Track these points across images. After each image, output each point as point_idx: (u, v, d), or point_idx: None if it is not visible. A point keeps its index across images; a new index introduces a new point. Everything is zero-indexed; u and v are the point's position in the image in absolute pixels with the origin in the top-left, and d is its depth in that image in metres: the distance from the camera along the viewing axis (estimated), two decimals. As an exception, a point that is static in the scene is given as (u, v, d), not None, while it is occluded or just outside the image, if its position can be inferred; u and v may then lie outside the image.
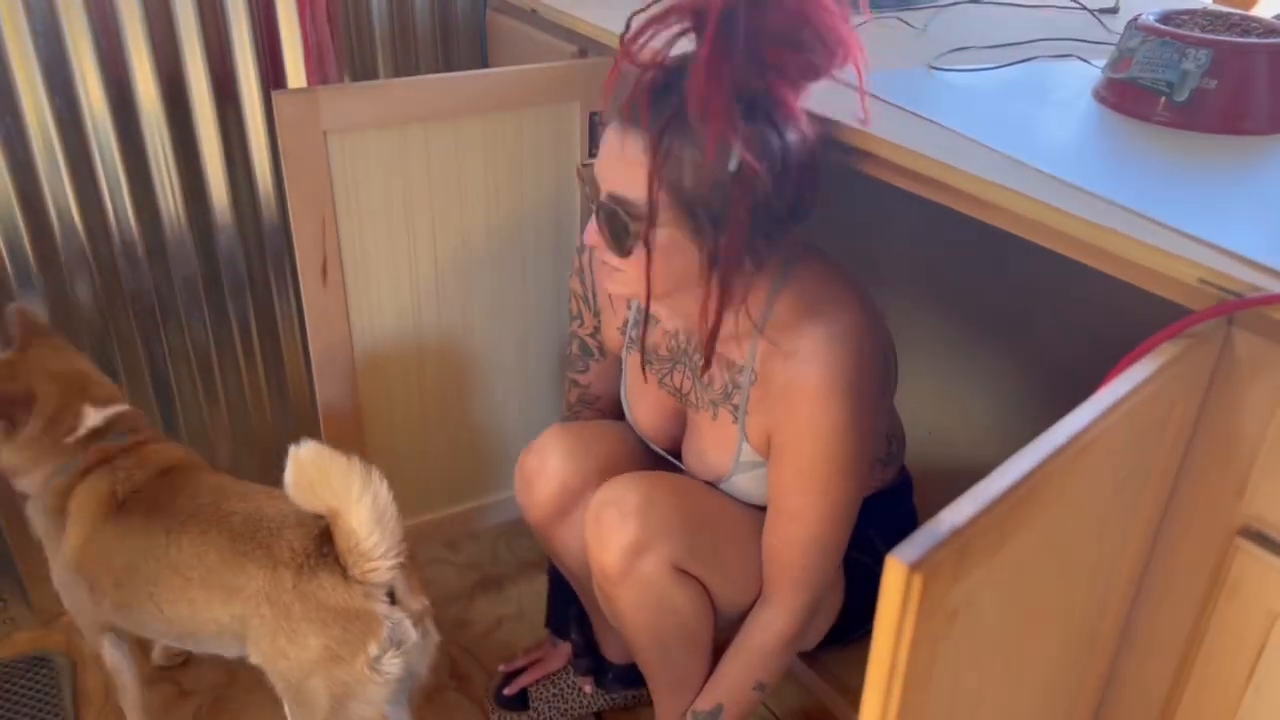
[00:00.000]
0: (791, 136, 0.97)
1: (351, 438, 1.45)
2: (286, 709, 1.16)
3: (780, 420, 1.08)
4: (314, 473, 1.06)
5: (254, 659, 1.13)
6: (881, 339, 1.11)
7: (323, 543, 1.10)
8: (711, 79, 0.91)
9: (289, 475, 1.07)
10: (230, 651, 1.17)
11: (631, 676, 1.39)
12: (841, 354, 1.04)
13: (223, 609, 1.11)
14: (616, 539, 1.10)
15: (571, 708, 1.45)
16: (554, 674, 1.46)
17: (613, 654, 1.43)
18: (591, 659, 1.43)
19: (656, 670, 1.22)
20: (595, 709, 1.46)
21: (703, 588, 1.15)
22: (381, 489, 1.05)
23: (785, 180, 0.97)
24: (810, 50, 0.96)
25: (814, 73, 0.98)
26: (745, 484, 1.16)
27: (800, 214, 1.02)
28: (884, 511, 1.27)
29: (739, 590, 1.17)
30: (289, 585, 1.08)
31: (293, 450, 1.06)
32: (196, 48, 1.38)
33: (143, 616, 1.17)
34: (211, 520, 1.14)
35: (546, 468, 1.24)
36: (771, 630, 1.14)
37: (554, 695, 1.45)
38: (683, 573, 1.12)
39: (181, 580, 1.12)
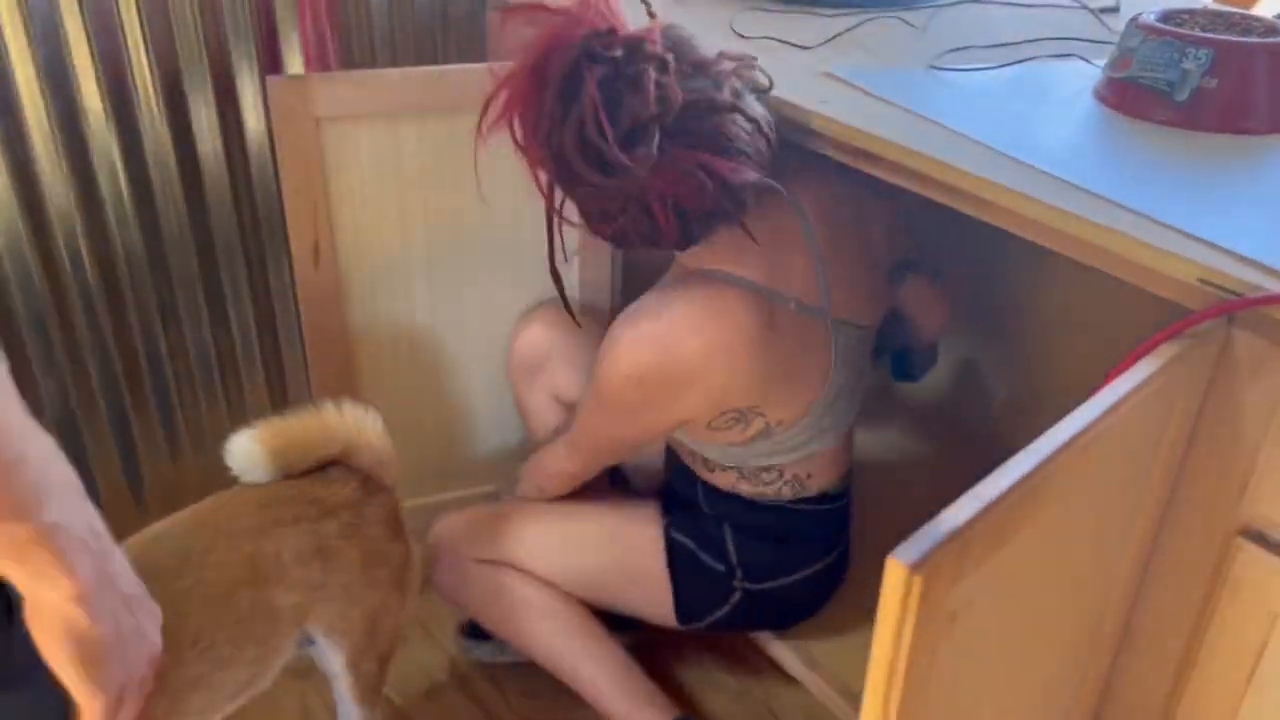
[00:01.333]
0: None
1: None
2: (347, 680, 1.16)
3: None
4: (289, 444, 1.07)
5: (319, 634, 1.12)
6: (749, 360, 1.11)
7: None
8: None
9: (260, 465, 1.07)
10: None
11: None
12: (689, 331, 1.08)
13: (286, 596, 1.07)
14: (431, 551, 1.36)
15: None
16: None
17: None
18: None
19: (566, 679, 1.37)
20: None
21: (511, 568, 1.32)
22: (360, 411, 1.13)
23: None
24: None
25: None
26: None
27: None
28: (756, 525, 1.26)
29: (568, 579, 1.31)
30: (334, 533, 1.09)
31: (248, 446, 1.06)
32: (195, 42, 1.38)
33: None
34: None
35: (528, 330, 1.45)
36: (547, 463, 1.33)
37: None
38: (488, 562, 1.33)
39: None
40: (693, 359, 1.09)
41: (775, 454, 1.21)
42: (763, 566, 1.27)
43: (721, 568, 1.27)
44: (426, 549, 1.36)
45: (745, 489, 1.25)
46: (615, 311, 1.59)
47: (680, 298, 1.10)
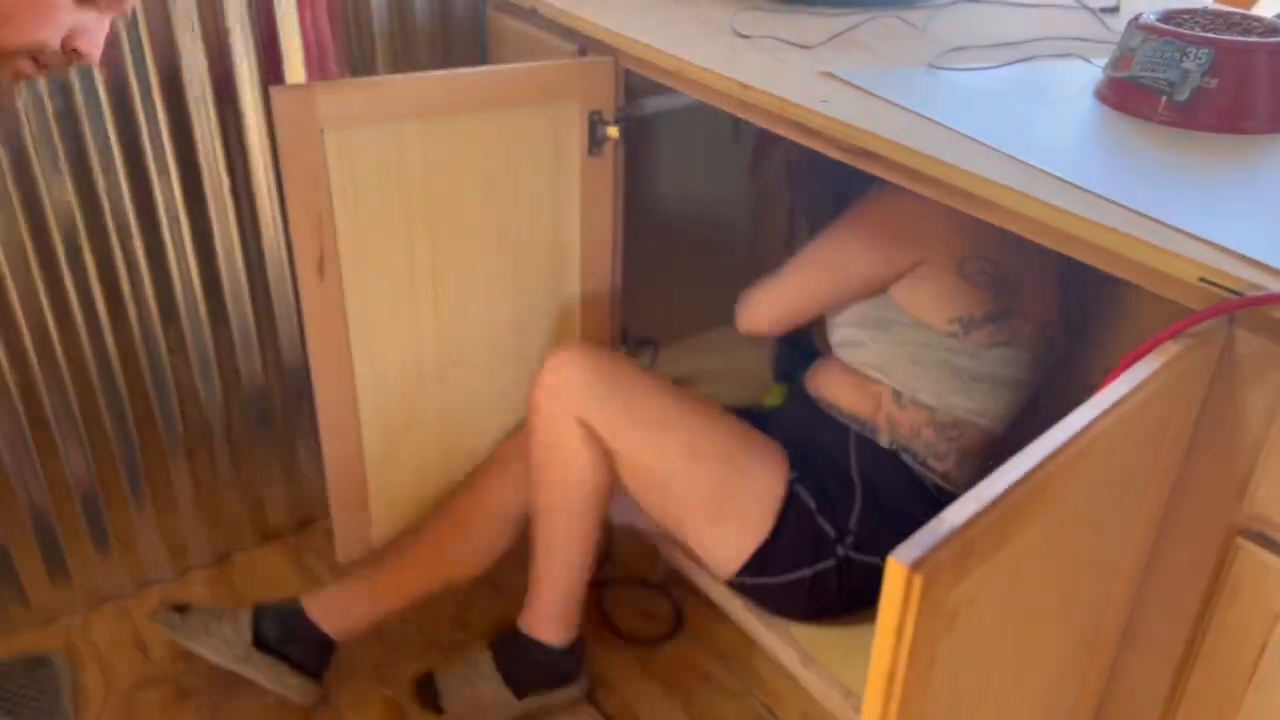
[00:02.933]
0: None
1: (348, 430, 1.45)
2: None
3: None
4: None
5: None
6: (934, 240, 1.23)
7: None
8: None
9: None
10: None
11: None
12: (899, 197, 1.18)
13: None
14: (545, 378, 1.32)
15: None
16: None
17: None
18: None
19: (536, 535, 1.37)
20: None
21: (606, 465, 1.31)
22: None
23: None
24: None
25: None
26: None
27: None
28: (897, 504, 1.27)
29: (652, 470, 1.30)
30: None
31: None
32: (195, 46, 1.38)
33: None
34: None
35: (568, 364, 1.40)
36: (749, 299, 1.40)
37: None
38: (592, 437, 1.30)
39: None
40: (919, 215, 1.20)
41: (982, 389, 1.25)
42: (882, 540, 1.26)
43: (832, 532, 1.27)
44: (543, 377, 1.33)
45: (925, 439, 1.27)
46: (615, 320, 1.60)
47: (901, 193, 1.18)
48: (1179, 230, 0.84)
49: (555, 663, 1.41)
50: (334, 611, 1.43)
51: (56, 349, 1.43)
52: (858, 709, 1.26)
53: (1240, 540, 0.84)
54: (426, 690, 1.45)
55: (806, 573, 1.27)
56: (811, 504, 1.27)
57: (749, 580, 1.29)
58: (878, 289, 1.28)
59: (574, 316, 1.56)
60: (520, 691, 1.41)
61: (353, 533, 1.52)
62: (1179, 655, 0.92)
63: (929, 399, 1.26)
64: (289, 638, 1.42)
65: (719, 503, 1.28)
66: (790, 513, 1.26)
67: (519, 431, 1.48)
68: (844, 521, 1.27)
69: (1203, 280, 0.79)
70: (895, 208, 1.24)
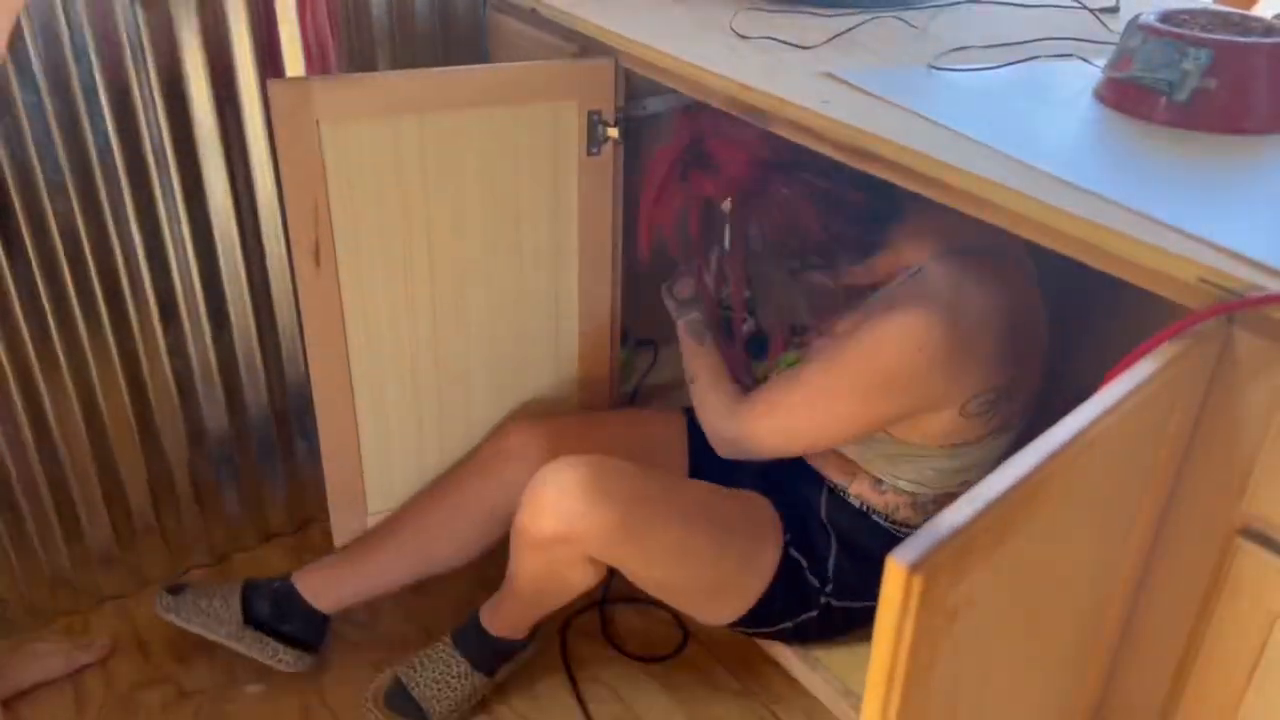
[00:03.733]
0: None
1: (345, 424, 1.45)
2: None
3: (856, 326, 1.17)
4: None
5: None
6: (985, 361, 1.14)
7: None
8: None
9: None
10: None
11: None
12: (933, 324, 1.09)
13: None
14: (545, 522, 1.21)
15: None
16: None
17: None
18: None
19: (515, 585, 1.34)
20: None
21: (605, 572, 1.28)
22: None
23: None
24: None
25: None
26: None
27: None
28: (867, 547, 1.27)
29: (659, 584, 1.28)
30: None
31: None
32: (195, 44, 1.38)
33: None
34: None
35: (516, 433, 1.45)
36: (709, 405, 1.33)
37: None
38: (591, 560, 1.25)
39: None
40: (982, 312, 1.11)
41: (969, 473, 1.21)
42: (857, 585, 1.27)
43: (816, 583, 1.27)
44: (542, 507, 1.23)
45: (901, 516, 1.26)
46: (615, 320, 1.59)
47: (947, 272, 1.12)
48: (1179, 230, 0.84)
49: (516, 646, 1.46)
50: (324, 589, 1.47)
51: (57, 349, 1.43)
52: (857, 709, 1.26)
53: (1240, 540, 0.84)
54: (398, 701, 1.42)
55: (789, 624, 1.29)
56: (803, 562, 1.28)
57: (737, 629, 1.32)
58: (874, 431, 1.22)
59: (573, 316, 1.56)
60: (491, 671, 1.44)
61: (350, 521, 1.53)
62: (1179, 655, 0.92)
63: (910, 487, 1.24)
64: (282, 616, 1.46)
65: (717, 587, 1.28)
66: (783, 575, 1.27)
67: (505, 429, 1.48)
68: (824, 570, 1.28)
69: (1202, 280, 0.79)
70: (900, 361, 1.12)
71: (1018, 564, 0.70)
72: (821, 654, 1.33)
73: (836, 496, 1.29)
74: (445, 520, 1.46)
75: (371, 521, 1.54)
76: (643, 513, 1.21)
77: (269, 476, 1.72)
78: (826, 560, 1.28)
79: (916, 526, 1.23)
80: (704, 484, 1.32)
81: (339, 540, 1.54)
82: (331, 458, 1.48)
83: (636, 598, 1.64)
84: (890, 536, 1.27)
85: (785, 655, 1.35)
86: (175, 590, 1.48)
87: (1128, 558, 0.90)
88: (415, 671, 1.42)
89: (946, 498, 1.22)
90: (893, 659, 0.61)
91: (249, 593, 1.47)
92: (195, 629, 1.46)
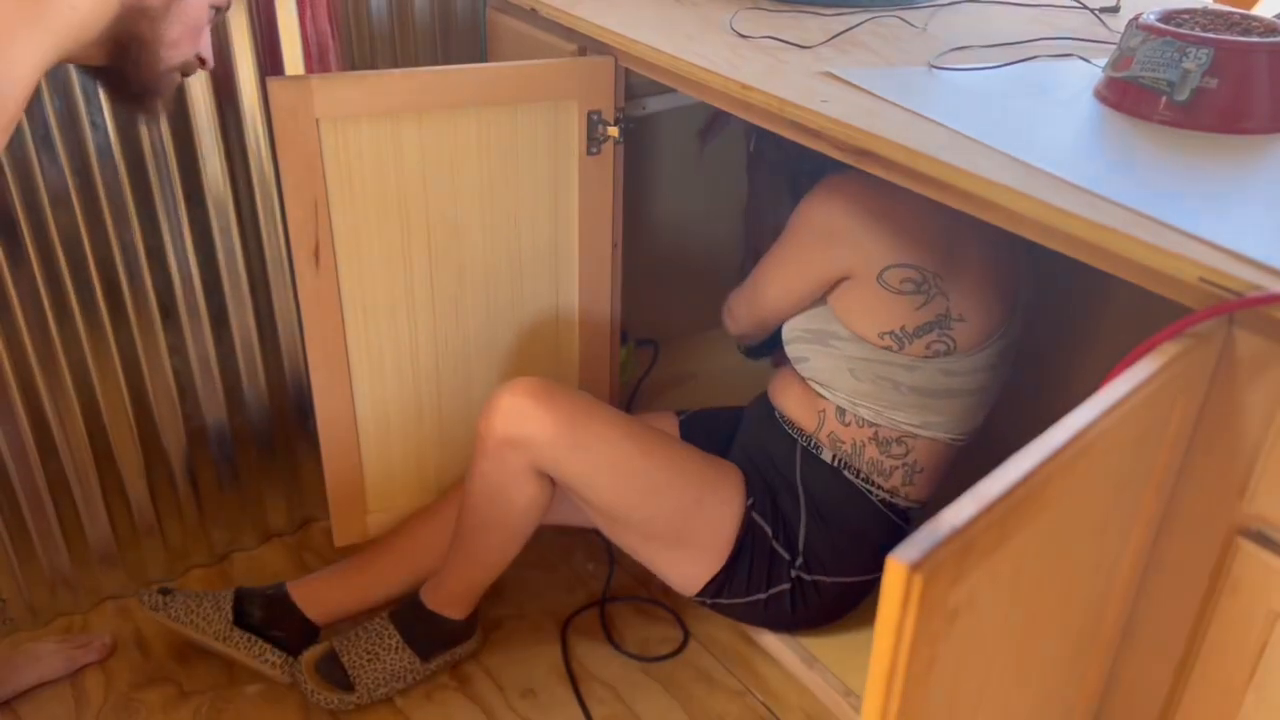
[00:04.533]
0: None
1: (345, 423, 1.45)
2: None
3: None
4: None
5: None
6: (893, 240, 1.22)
7: None
8: None
9: None
10: None
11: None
12: (853, 194, 1.21)
13: None
14: (496, 424, 1.28)
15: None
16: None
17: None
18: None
19: (462, 539, 1.38)
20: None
21: (549, 493, 1.32)
22: None
23: None
24: None
25: None
26: None
27: None
28: (840, 518, 1.28)
29: (613, 508, 1.30)
30: None
31: None
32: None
33: None
34: None
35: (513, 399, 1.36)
36: (731, 301, 1.44)
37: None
38: (537, 473, 1.29)
39: None
40: (876, 189, 1.18)
41: (926, 402, 1.24)
42: (827, 558, 1.29)
43: (786, 555, 1.29)
44: (491, 414, 1.29)
45: (868, 457, 1.27)
46: (615, 320, 1.60)
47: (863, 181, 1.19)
48: (1179, 230, 0.84)
49: (457, 630, 1.47)
50: (317, 598, 1.47)
51: (57, 349, 1.43)
52: (857, 709, 1.26)
53: (1240, 540, 0.84)
54: (328, 668, 1.44)
55: (761, 596, 1.30)
56: (768, 529, 1.29)
57: (708, 600, 1.33)
58: (818, 297, 1.28)
59: (573, 316, 1.56)
60: (426, 655, 1.45)
61: (350, 521, 1.53)
62: (1179, 655, 0.92)
63: (871, 415, 1.27)
64: (272, 621, 1.46)
65: (676, 535, 1.30)
66: (747, 540, 1.29)
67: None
68: (795, 541, 1.29)
69: (1202, 280, 0.79)
70: (821, 216, 1.24)
71: (1018, 563, 0.70)
72: (821, 653, 1.33)
73: (810, 454, 1.31)
74: (437, 533, 1.46)
75: (371, 521, 1.55)
76: (592, 423, 1.28)
77: (269, 476, 1.72)
78: (796, 529, 1.29)
79: (884, 486, 1.28)
80: (662, 430, 1.38)
81: (339, 540, 1.54)
82: (331, 458, 1.48)
83: (637, 595, 1.64)
84: (863, 500, 1.29)
85: (785, 655, 1.35)
86: (165, 591, 1.49)
87: (1128, 558, 0.90)
88: (349, 641, 1.44)
89: (908, 438, 1.27)
90: (893, 658, 0.61)
91: (242, 598, 1.48)
92: (182, 628, 1.46)
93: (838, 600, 1.32)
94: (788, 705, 1.49)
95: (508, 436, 1.28)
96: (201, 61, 1.12)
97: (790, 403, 1.35)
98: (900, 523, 1.32)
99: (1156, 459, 0.84)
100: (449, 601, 1.44)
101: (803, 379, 1.33)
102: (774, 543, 1.29)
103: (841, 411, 1.28)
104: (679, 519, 1.29)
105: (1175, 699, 0.94)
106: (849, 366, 1.26)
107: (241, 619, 1.46)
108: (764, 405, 1.40)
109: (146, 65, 1.04)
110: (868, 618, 1.36)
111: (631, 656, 1.55)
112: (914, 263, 1.20)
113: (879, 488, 1.29)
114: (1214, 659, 0.89)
